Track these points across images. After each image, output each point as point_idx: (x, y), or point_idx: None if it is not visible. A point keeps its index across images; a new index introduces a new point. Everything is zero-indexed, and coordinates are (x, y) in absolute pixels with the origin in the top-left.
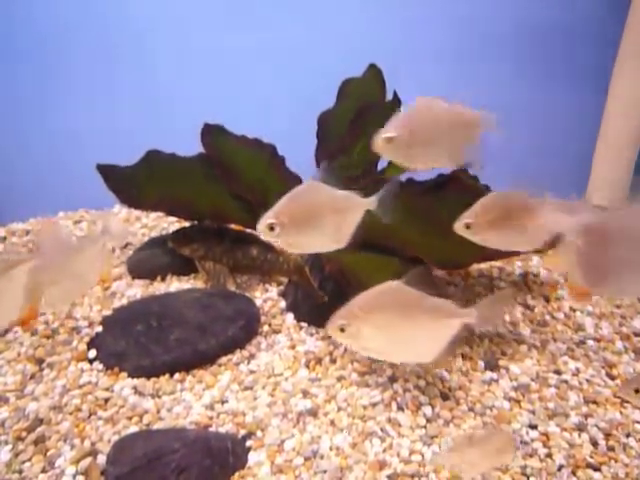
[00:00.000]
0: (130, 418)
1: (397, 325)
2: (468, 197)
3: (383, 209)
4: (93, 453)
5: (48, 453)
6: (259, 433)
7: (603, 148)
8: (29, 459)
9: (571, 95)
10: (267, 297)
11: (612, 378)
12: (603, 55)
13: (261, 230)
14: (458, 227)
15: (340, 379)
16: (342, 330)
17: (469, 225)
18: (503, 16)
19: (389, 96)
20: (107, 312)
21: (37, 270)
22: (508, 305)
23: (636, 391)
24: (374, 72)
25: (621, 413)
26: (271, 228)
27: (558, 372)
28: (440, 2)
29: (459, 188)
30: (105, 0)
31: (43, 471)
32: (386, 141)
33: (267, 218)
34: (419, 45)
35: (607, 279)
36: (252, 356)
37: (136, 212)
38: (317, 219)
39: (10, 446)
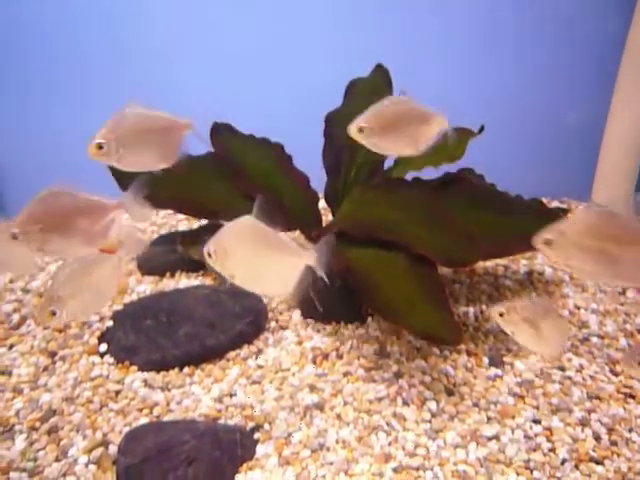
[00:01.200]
0: (141, 410)
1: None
2: (474, 195)
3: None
4: (105, 443)
5: (61, 443)
6: (267, 426)
7: (608, 147)
8: (43, 448)
9: (577, 95)
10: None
11: (616, 374)
12: (608, 57)
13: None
14: (352, 131)
15: (346, 374)
16: (15, 237)
17: (362, 129)
18: (505, 17)
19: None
20: (117, 307)
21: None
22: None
23: (500, 314)
24: (381, 72)
25: (624, 409)
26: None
27: (562, 368)
28: (447, 4)
29: (465, 187)
30: (114, 2)
31: (57, 460)
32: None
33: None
34: (425, 45)
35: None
36: (260, 351)
37: None
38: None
39: (25, 435)
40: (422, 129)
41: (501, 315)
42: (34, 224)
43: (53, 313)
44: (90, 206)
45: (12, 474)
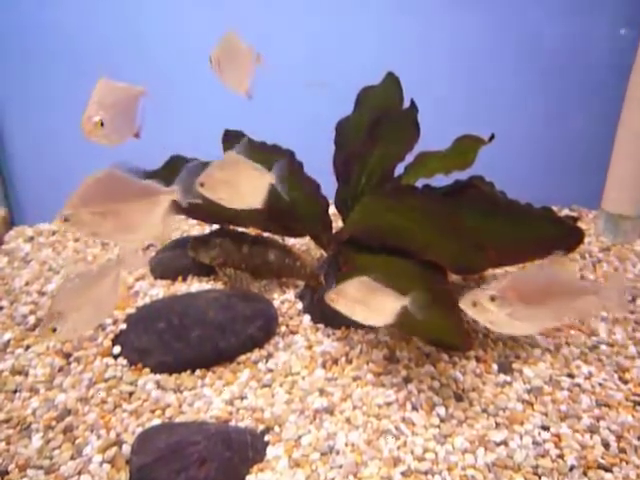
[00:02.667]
0: (153, 411)
1: (114, 211)
2: (484, 203)
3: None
4: (118, 443)
5: (76, 442)
6: (277, 428)
7: (619, 155)
8: (59, 447)
9: (587, 102)
10: (284, 299)
11: (625, 382)
12: (619, 63)
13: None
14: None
15: (356, 379)
16: (66, 220)
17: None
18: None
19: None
20: (130, 310)
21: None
22: None
23: (474, 304)
24: (392, 80)
25: (633, 416)
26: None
27: (571, 376)
28: (458, 12)
29: (475, 194)
30: (124, 7)
31: (72, 458)
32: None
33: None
34: (436, 52)
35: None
36: (270, 355)
37: None
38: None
39: (41, 434)
40: None
41: (332, 300)
42: (86, 206)
43: (54, 330)
44: (143, 190)
45: (29, 471)
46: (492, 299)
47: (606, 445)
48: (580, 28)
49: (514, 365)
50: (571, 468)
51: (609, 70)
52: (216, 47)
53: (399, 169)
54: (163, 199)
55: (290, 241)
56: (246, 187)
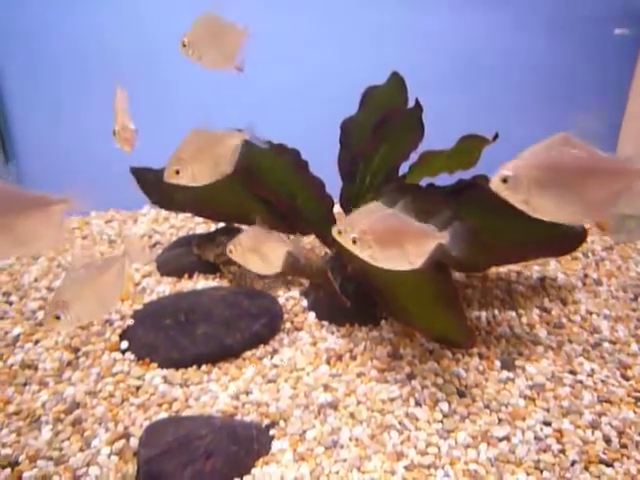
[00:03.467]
0: (160, 405)
1: (6, 225)
2: (488, 201)
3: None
4: (126, 436)
5: (85, 434)
6: (282, 423)
7: (624, 150)
8: (68, 438)
9: (591, 100)
10: (289, 296)
11: (627, 379)
12: (624, 59)
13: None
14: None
15: (360, 375)
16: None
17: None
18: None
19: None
20: (138, 307)
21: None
22: None
23: (339, 232)
24: (396, 80)
25: (635, 412)
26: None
27: (573, 372)
28: (465, 14)
29: (479, 193)
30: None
31: (81, 450)
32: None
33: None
34: (440, 53)
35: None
36: (275, 351)
37: (164, 213)
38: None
39: (50, 426)
40: None
41: (230, 252)
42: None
43: (57, 317)
44: (35, 201)
45: (39, 462)
46: (353, 241)
47: (608, 441)
48: (587, 27)
49: (517, 362)
50: (573, 463)
51: (614, 66)
52: (191, 31)
53: (403, 168)
54: (56, 209)
55: None
56: (269, 254)
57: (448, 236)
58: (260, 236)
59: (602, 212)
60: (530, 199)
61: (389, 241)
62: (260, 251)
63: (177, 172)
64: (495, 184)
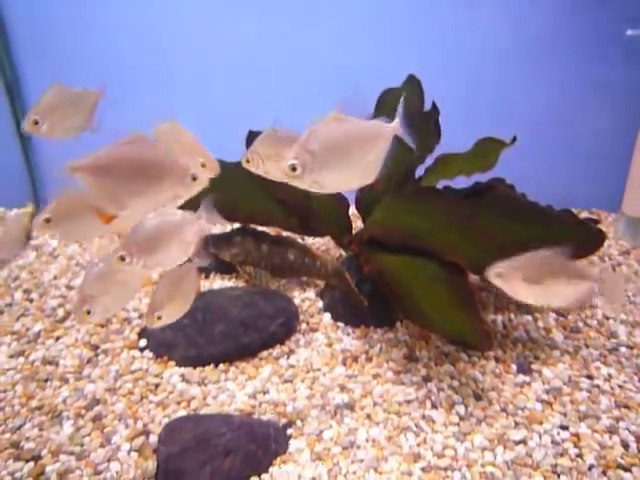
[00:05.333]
0: (179, 403)
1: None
2: (505, 205)
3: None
4: (145, 433)
5: (105, 430)
6: (299, 423)
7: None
8: (88, 434)
9: (608, 105)
10: (305, 297)
11: None
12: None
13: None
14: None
15: (376, 376)
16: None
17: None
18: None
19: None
20: None
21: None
22: None
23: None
24: (413, 82)
25: None
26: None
27: (590, 377)
28: (482, 12)
29: (496, 196)
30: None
31: (101, 446)
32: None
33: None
34: (459, 54)
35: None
36: (291, 352)
37: None
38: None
39: (72, 421)
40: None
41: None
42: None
43: (88, 312)
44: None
45: (61, 456)
46: (498, 275)
47: (625, 446)
48: (598, 23)
49: (533, 366)
50: (590, 467)
51: (631, 69)
52: (40, 105)
53: (420, 171)
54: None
55: (309, 241)
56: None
57: (399, 126)
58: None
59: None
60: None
61: (336, 152)
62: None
63: (35, 122)
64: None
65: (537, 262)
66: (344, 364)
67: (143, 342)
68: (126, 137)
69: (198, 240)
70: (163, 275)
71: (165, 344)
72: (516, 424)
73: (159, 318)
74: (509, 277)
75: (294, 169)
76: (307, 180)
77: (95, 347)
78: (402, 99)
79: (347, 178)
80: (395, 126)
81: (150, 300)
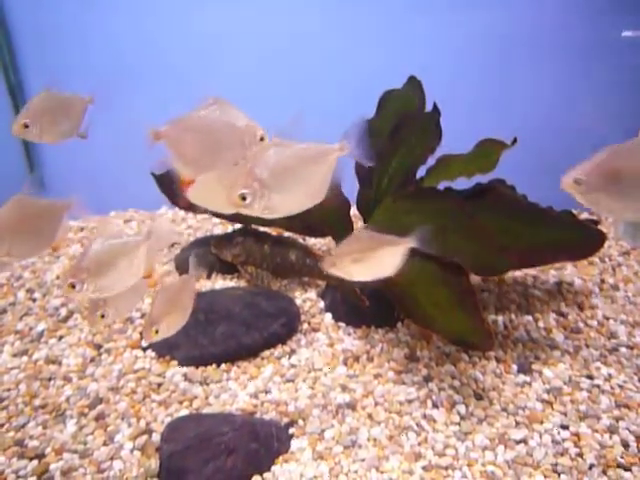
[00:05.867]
0: (181, 402)
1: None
2: (505, 206)
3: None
4: (148, 432)
5: (108, 429)
6: (301, 422)
7: None
8: (92, 433)
9: (608, 109)
10: (306, 297)
11: None
12: None
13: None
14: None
15: (377, 376)
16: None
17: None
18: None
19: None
20: None
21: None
22: None
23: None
24: (414, 83)
25: None
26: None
27: (590, 377)
28: (486, 17)
29: (497, 197)
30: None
31: (104, 444)
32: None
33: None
34: (460, 57)
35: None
36: (293, 351)
37: (181, 213)
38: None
39: (75, 420)
40: None
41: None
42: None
43: (102, 316)
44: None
45: (65, 455)
46: (332, 265)
47: (625, 445)
48: (599, 24)
49: (533, 366)
50: (590, 467)
51: (631, 69)
52: (29, 110)
53: (421, 172)
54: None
55: (311, 241)
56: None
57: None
58: (367, 242)
59: None
60: (600, 201)
61: (284, 176)
62: (370, 258)
63: (26, 126)
64: (566, 185)
65: (357, 242)
66: (345, 364)
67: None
68: (206, 100)
69: (148, 262)
70: (160, 288)
71: (167, 344)
72: (517, 424)
73: (157, 332)
74: (341, 264)
75: (244, 198)
76: (258, 207)
77: (98, 346)
78: (359, 121)
79: (297, 200)
80: (340, 147)
81: (147, 314)
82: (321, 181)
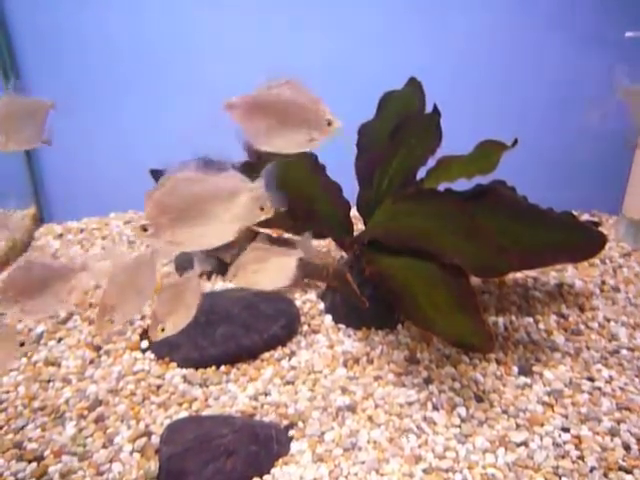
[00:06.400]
0: (180, 404)
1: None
2: (506, 207)
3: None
4: (147, 434)
5: (107, 431)
6: (300, 424)
7: None
8: (91, 435)
9: (610, 103)
10: (306, 299)
11: None
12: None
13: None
14: None
15: (377, 378)
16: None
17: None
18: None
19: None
20: None
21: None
22: None
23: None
24: (414, 85)
25: None
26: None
27: (591, 379)
28: (486, 17)
29: (497, 198)
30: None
31: (104, 447)
32: None
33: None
34: (459, 58)
35: None
36: (293, 353)
37: None
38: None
39: (74, 422)
40: None
41: (235, 277)
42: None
43: (111, 321)
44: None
45: (64, 457)
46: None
47: (627, 448)
48: (600, 25)
49: (534, 368)
50: (591, 469)
51: (631, 70)
52: None
53: (421, 173)
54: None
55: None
56: (278, 269)
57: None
58: (262, 254)
59: None
60: None
61: (190, 210)
62: (267, 269)
63: None
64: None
65: (254, 254)
66: (345, 366)
67: (145, 343)
68: (281, 79)
69: (77, 292)
70: (164, 286)
71: (167, 345)
72: (517, 426)
73: (162, 330)
74: (242, 274)
75: (145, 230)
76: (162, 239)
77: (97, 348)
78: (272, 165)
79: (204, 236)
80: (255, 186)
81: (152, 312)
82: (232, 219)
